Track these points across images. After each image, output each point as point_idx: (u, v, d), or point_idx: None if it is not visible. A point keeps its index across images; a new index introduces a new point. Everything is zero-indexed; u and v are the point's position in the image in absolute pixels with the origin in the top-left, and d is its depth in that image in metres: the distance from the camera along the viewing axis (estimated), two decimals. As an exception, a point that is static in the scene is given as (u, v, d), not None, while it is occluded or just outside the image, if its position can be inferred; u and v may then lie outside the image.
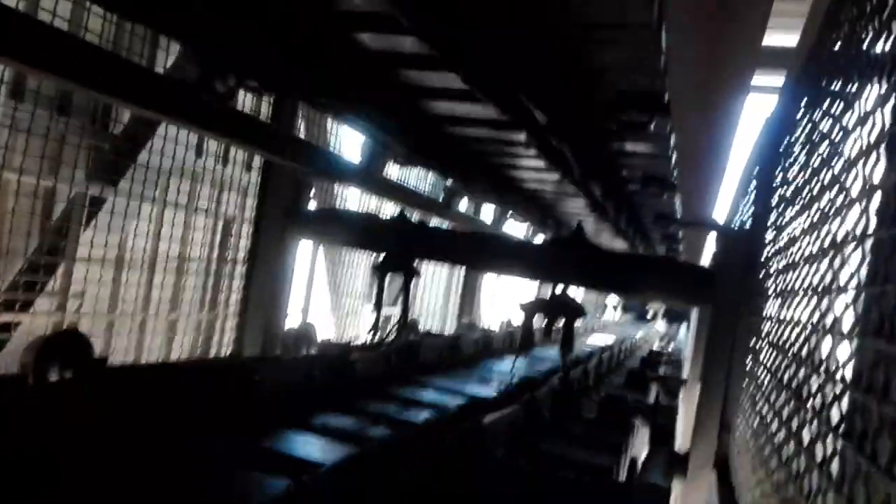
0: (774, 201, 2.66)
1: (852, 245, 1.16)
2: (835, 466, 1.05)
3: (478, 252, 3.30)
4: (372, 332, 3.45)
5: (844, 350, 1.13)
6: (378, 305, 3.33)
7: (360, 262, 6.24)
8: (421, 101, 3.70)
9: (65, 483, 1.43)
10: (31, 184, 3.29)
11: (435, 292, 7.79)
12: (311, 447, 2.08)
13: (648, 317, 16.51)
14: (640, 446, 3.54)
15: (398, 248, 3.24)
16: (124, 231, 3.84)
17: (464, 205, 6.53)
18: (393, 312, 5.71)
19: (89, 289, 3.66)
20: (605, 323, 12.45)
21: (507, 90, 2.82)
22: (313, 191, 5.32)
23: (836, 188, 1.42)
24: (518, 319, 3.35)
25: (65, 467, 1.48)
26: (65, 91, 3.43)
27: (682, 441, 3.46)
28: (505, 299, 10.20)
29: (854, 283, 1.14)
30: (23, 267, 3.45)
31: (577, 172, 4.23)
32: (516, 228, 8.12)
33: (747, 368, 2.69)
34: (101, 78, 2.28)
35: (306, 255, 5.67)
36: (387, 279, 3.40)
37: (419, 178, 6.17)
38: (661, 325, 14.39)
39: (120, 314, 3.90)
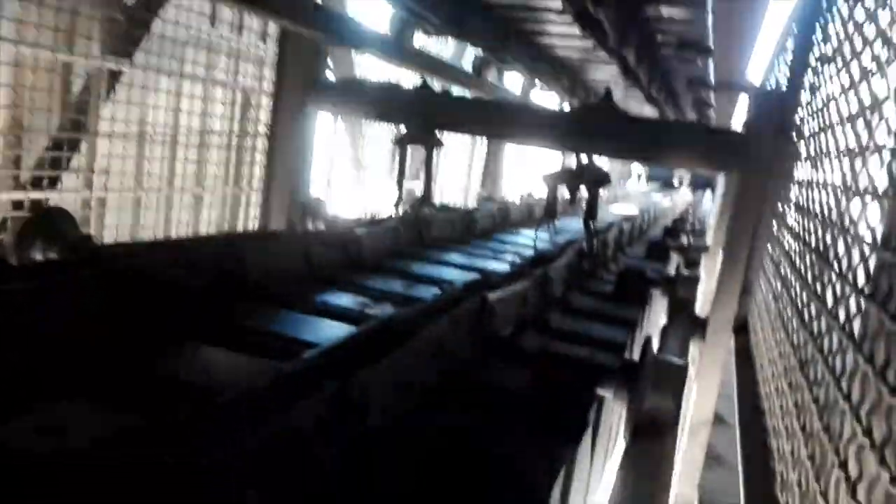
0: (812, 60, 2.54)
1: (894, 102, 1.11)
2: (856, 326, 1.06)
3: (502, 121, 3.23)
4: (395, 207, 3.46)
5: (875, 212, 1.12)
6: (400, 179, 3.31)
7: (382, 135, 6.17)
8: None
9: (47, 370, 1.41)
10: (47, 58, 3.24)
11: (456, 165, 7.75)
12: (303, 328, 2.02)
13: (675, 184, 16.35)
14: (657, 319, 3.56)
15: (420, 119, 3.18)
16: (144, 105, 3.81)
17: (491, 75, 6.35)
18: (415, 186, 5.71)
19: (114, 165, 3.68)
20: (630, 192, 12.36)
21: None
22: (331, 61, 5.20)
23: (879, 41, 1.35)
24: (541, 191, 3.29)
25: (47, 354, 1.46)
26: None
27: (702, 306, 3.51)
28: (528, 171, 10.12)
29: (892, 142, 1.10)
30: (46, 144, 3.47)
31: (612, 39, 4.10)
32: (544, 98, 7.94)
33: (773, 233, 2.68)
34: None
35: (327, 129, 5.62)
36: (408, 152, 3.36)
37: (443, 48, 5.98)
38: (686, 193, 14.27)
39: (146, 190, 3.94)
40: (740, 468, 1.60)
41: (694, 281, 4.04)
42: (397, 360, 1.45)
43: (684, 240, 5.91)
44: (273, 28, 4.09)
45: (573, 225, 4.91)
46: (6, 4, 2.92)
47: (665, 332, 3.29)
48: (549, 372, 1.91)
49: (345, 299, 2.36)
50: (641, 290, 3.22)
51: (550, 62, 6.36)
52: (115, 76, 3.73)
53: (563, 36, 5.18)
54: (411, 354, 1.52)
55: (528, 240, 4.06)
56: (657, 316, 3.70)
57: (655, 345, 2.45)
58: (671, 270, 4.43)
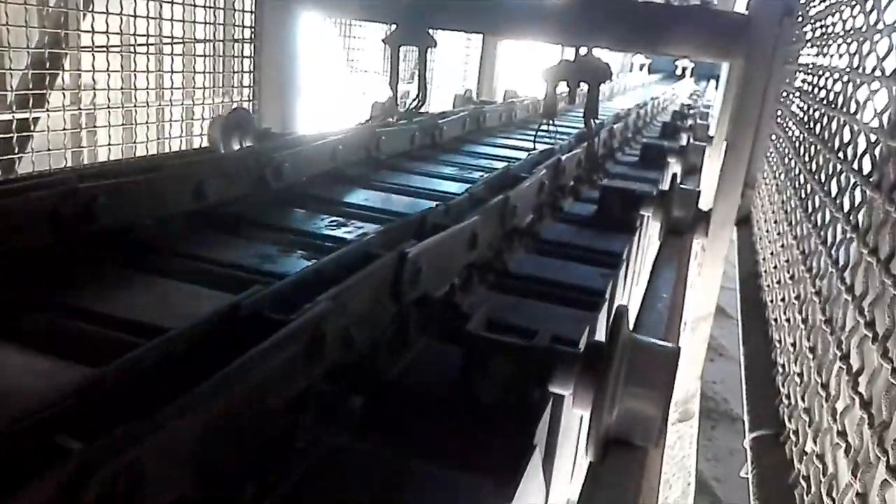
0: (821, -66, 2.40)
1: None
2: (861, 216, 1.03)
3: (497, 16, 3.10)
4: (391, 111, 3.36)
5: (882, 97, 1.07)
6: (394, 81, 3.21)
7: (374, 36, 5.96)
8: None
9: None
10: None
11: (452, 65, 7.54)
12: (336, 228, 2.03)
13: (678, 73, 15.94)
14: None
15: (411, 17, 3.05)
16: (125, 14, 3.66)
17: None
18: (410, 89, 5.57)
19: (100, 80, 3.57)
20: (633, 84, 12.07)
21: None
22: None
23: None
24: (541, 87, 3.19)
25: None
26: None
27: (704, 199, 3.48)
28: (526, 69, 9.85)
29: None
30: (27, 62, 3.36)
31: None
32: None
33: (778, 121, 2.61)
34: None
35: (316, 31, 5.42)
36: (401, 52, 3.24)
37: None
38: (689, 83, 13.94)
39: (136, 105, 3.84)
40: (741, 360, 1.62)
41: (702, 149, 4.23)
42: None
43: (690, 123, 5.87)
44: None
45: (577, 118, 4.79)
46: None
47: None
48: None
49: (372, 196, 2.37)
50: (659, 157, 3.47)
51: None
52: (91, -16, 3.57)
53: None
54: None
55: (499, 151, 3.77)
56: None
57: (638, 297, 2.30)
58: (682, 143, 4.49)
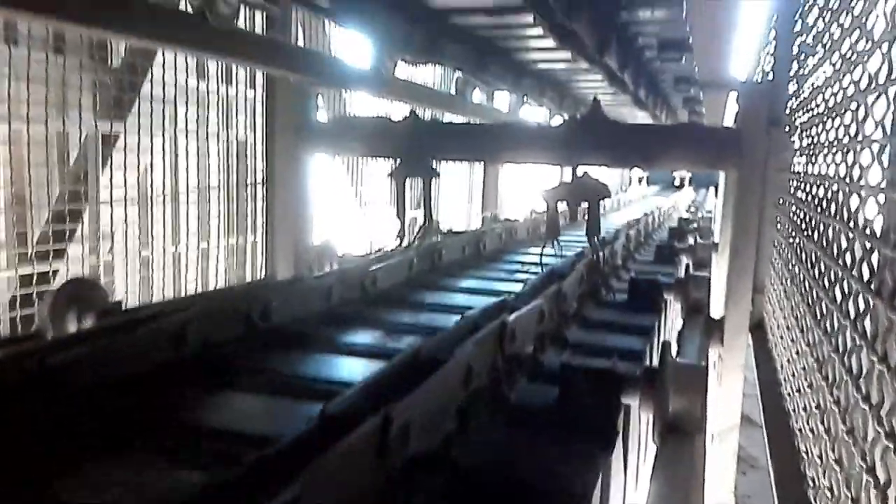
0: (795, 50, 2.54)
1: (875, 94, 1.10)
2: (867, 323, 1.04)
3: (493, 144, 3.23)
4: (398, 239, 3.45)
5: (872, 205, 1.10)
6: (400, 211, 3.31)
7: (379, 170, 6.20)
8: None
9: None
10: (41, 132, 3.27)
11: (456, 190, 7.77)
12: (336, 368, 2.05)
13: (676, 184, 16.31)
14: (673, 322, 3.58)
15: (413, 151, 3.19)
16: (141, 167, 3.85)
17: (477, 96, 6.40)
18: (417, 216, 5.72)
19: (118, 229, 3.71)
20: (633, 197, 12.33)
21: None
22: (321, 101, 5.25)
23: (856, 32, 1.34)
24: (542, 208, 3.28)
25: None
26: (58, 31, 3.37)
27: (716, 307, 3.48)
28: (529, 187, 10.13)
29: (879, 134, 1.09)
30: (49, 217, 3.50)
31: (591, 48, 4.14)
32: (534, 113, 7.97)
33: (777, 227, 2.65)
34: (88, 12, 2.22)
35: (325, 168, 5.65)
36: (406, 183, 3.36)
37: (428, 76, 6.04)
38: (688, 193, 14.22)
39: (152, 250, 3.96)
40: (771, 475, 1.57)
41: (705, 280, 4.07)
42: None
43: (691, 239, 5.89)
44: (261, 76, 4.13)
45: (579, 237, 4.89)
46: (-4, 85, 2.97)
47: (681, 335, 3.25)
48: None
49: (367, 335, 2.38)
50: (652, 296, 3.22)
51: (535, 77, 6.38)
52: (110, 141, 3.77)
53: (543, 49, 5.07)
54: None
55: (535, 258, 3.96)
56: (673, 318, 3.72)
57: (674, 349, 2.38)
58: (681, 273, 4.43)
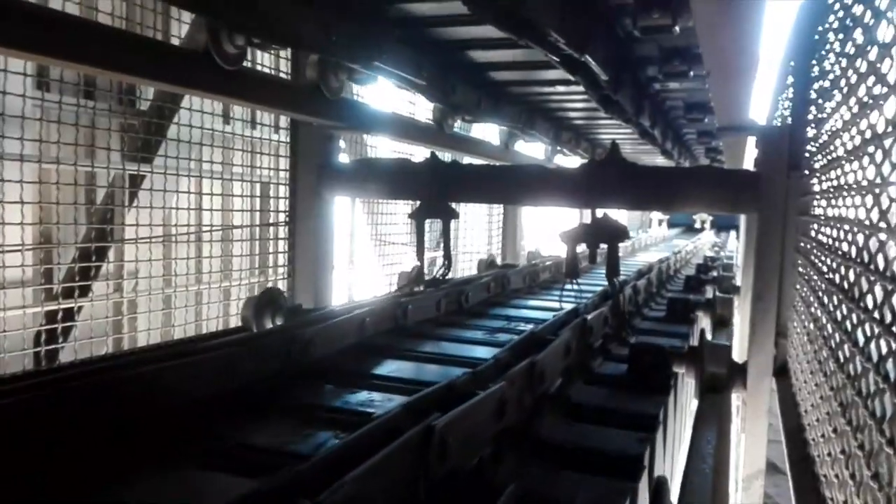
0: (812, 95, 2.55)
1: (892, 138, 1.10)
2: (891, 366, 1.03)
3: (512, 186, 3.26)
4: (417, 279, 3.48)
5: (892, 248, 1.10)
6: (419, 252, 3.34)
7: (400, 211, 6.25)
8: (458, 53, 4.00)
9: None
10: (70, 172, 3.36)
11: (476, 230, 7.80)
12: (463, 350, 2.28)
13: (696, 227, 16.24)
14: (685, 403, 3.60)
15: (432, 192, 3.23)
16: (167, 207, 3.92)
17: (517, 145, 6.71)
18: (437, 256, 5.75)
19: (142, 268, 3.76)
20: (653, 239, 12.28)
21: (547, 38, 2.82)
22: (343, 143, 5.33)
23: (872, 77, 1.35)
24: (561, 248, 3.31)
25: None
26: (88, 76, 3.48)
27: (739, 351, 3.44)
28: (548, 227, 10.14)
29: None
30: (75, 255, 3.56)
31: (630, 113, 4.66)
32: (567, 161, 8.14)
33: (799, 271, 2.63)
34: (120, 60, 2.30)
35: (346, 209, 5.71)
36: (426, 224, 3.40)
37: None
38: (710, 235, 14.14)
39: (175, 288, 4.01)
40: (796, 522, 1.53)
41: (730, 302, 4.24)
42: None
43: (714, 275, 5.91)
44: (284, 119, 4.21)
45: (599, 278, 4.89)
46: (27, 126, 3.06)
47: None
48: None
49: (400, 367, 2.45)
50: (685, 311, 3.41)
51: (572, 130, 7.17)
52: (136, 182, 3.85)
53: (583, 109, 5.74)
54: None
55: (524, 312, 3.97)
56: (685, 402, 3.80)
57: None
58: (708, 296, 4.61)
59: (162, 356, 1.81)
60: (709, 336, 4.02)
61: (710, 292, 5.10)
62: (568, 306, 3.28)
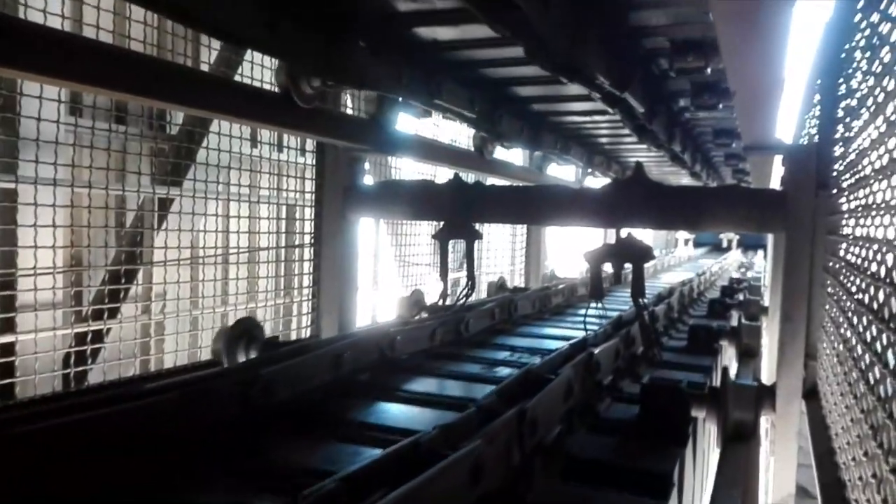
0: (839, 113, 2.53)
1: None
2: (922, 388, 1.01)
3: (536, 207, 3.26)
4: (441, 300, 3.48)
5: (922, 267, 1.08)
6: (443, 273, 3.34)
7: (423, 232, 6.28)
8: (506, 89, 4.25)
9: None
10: (102, 195, 3.43)
11: (499, 250, 7.79)
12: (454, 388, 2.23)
13: (723, 246, 16.06)
14: (706, 459, 3.48)
15: (456, 213, 3.24)
16: (195, 229, 3.98)
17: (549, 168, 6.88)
18: (461, 277, 5.74)
19: (170, 290, 3.81)
20: (679, 259, 12.16)
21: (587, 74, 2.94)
22: (368, 165, 5.38)
23: (899, 95, 1.34)
24: (585, 268, 3.29)
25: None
26: (120, 102, 3.56)
27: (768, 373, 3.38)
28: (572, 247, 10.11)
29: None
30: (105, 277, 3.62)
31: (663, 139, 4.90)
32: (597, 182, 8.24)
33: (828, 291, 2.59)
34: (157, 87, 2.37)
35: (370, 231, 5.75)
36: (449, 245, 3.41)
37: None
38: (737, 255, 13.97)
39: (202, 311, 4.05)
40: (828, 549, 1.50)
41: (756, 329, 4.11)
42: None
43: (741, 298, 5.78)
44: (311, 142, 4.27)
45: (624, 298, 4.83)
46: (61, 151, 3.13)
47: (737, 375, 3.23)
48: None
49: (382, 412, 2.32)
50: (708, 341, 3.32)
51: (603, 154, 7.46)
52: (165, 205, 3.92)
53: (613, 135, 5.91)
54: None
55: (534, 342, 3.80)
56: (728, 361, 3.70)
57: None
58: (734, 323, 4.46)
59: (88, 402, 1.57)
60: (733, 369, 3.84)
61: (735, 318, 4.87)
62: (593, 326, 3.23)
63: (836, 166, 2.55)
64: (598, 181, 8.05)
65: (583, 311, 2.89)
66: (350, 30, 2.78)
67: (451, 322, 3.41)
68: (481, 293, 5.52)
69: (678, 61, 3.11)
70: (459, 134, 5.82)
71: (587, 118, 5.25)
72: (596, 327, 3.27)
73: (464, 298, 3.56)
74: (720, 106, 3.88)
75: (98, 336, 3.45)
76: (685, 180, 8.16)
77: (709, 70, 3.11)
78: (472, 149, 5.05)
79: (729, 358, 4.06)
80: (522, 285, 6.64)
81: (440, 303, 3.51)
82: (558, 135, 5.92)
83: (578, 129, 5.90)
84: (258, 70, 3.72)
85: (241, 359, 2.69)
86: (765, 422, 2.77)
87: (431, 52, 3.36)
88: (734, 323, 4.62)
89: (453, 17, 2.87)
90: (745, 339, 4.24)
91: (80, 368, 3.27)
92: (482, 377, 2.82)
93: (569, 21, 2.50)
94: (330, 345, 2.45)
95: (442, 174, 5.73)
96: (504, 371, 2.90)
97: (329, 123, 3.37)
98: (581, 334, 3.07)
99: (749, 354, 4.17)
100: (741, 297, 6.02)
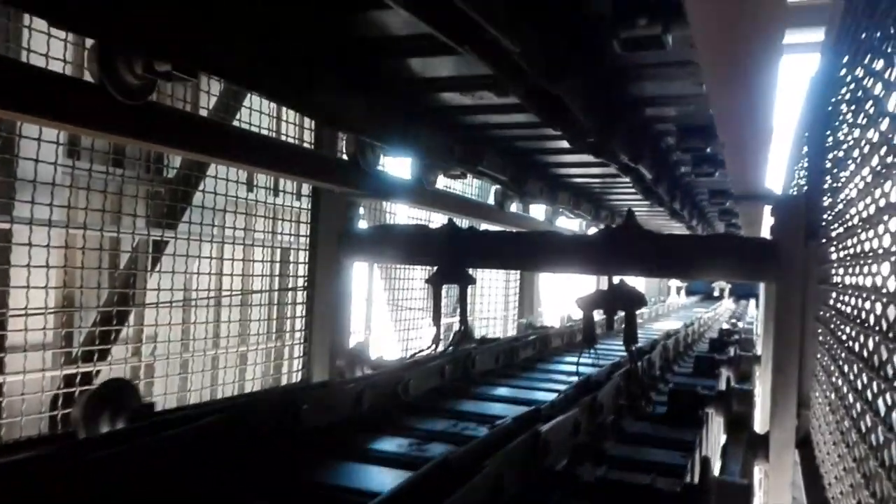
0: (827, 164, 2.58)
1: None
2: (912, 436, 1.01)
3: (529, 253, 3.29)
4: (433, 345, 3.47)
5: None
6: (436, 317, 3.34)
7: (417, 276, 6.29)
8: (534, 157, 4.95)
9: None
10: (96, 237, 3.43)
11: (493, 296, 7.80)
12: (362, 477, 1.92)
13: (715, 294, 16.11)
14: (715, 438, 3.37)
15: (450, 258, 3.26)
16: (188, 272, 3.98)
17: (514, 207, 6.75)
18: (454, 322, 5.74)
19: (161, 332, 3.79)
20: (671, 307, 12.18)
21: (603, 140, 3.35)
22: (362, 210, 5.42)
23: (884, 147, 1.38)
24: (577, 314, 3.29)
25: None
26: (118, 145, 3.59)
27: (761, 421, 3.36)
28: (565, 293, 10.12)
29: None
30: (96, 319, 3.60)
31: (649, 181, 4.91)
32: (569, 223, 8.30)
33: (820, 339, 2.60)
34: (153, 131, 2.39)
35: (363, 275, 5.76)
36: (443, 290, 3.41)
37: (468, 188, 6.27)
38: (728, 303, 14.00)
39: (192, 353, 4.03)
40: None
41: (748, 394, 3.75)
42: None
43: (732, 350, 5.65)
44: (307, 186, 4.31)
45: (616, 345, 4.83)
46: (57, 193, 3.15)
47: (725, 451, 3.09)
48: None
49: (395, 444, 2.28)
50: (692, 409, 3.10)
51: (608, 209, 8.14)
52: (159, 248, 3.92)
53: (580, 165, 5.54)
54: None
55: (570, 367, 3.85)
56: (716, 433, 3.48)
57: (717, 466, 2.16)
58: (722, 385, 4.18)
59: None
60: (720, 442, 3.38)
61: (724, 380, 4.35)
62: (586, 369, 3.22)
63: (824, 216, 2.59)
64: (568, 221, 8.35)
65: (554, 367, 2.88)
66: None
67: (383, 384, 2.92)
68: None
69: (683, 143, 3.78)
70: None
71: (598, 180, 6.12)
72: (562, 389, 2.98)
73: (454, 346, 3.55)
74: (716, 174, 4.51)
75: (87, 378, 3.41)
76: (673, 224, 8.35)
77: (709, 150, 3.78)
78: (475, 197, 5.70)
79: (716, 428, 3.53)
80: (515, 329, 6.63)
81: (433, 349, 3.50)
82: (571, 192, 6.72)
83: (589, 187, 6.71)
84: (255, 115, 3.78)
85: (104, 429, 2.19)
86: (758, 472, 2.74)
87: (480, 130, 4.04)
88: (722, 386, 4.16)
89: (506, 109, 3.36)
90: (735, 407, 3.56)
91: (68, 411, 3.22)
92: (400, 460, 2.27)
93: (601, 114, 3.02)
94: (202, 418, 1.96)
95: (437, 220, 5.78)
96: (437, 449, 2.40)
97: (353, 176, 3.60)
98: (538, 399, 2.90)
99: (739, 425, 3.52)
100: (732, 351, 5.67)
